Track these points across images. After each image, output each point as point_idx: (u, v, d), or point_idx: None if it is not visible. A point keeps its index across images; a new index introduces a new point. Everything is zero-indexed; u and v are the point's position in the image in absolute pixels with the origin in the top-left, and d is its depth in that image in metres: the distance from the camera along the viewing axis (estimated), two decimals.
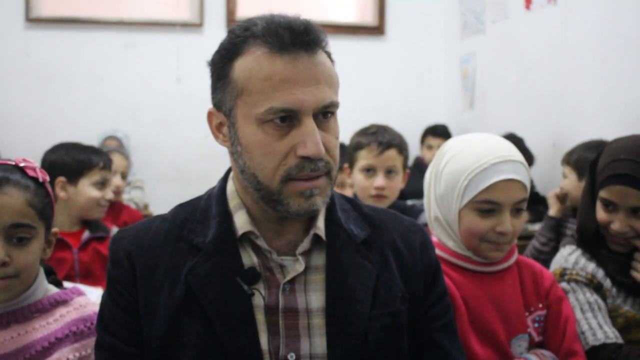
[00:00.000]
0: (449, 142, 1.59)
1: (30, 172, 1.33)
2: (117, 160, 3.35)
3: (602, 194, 1.68)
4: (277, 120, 1.07)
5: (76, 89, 4.77)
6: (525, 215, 1.55)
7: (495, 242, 1.50)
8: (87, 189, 2.36)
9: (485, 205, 1.48)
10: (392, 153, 2.33)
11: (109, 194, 2.41)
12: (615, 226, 1.67)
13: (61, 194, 2.32)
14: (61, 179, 2.32)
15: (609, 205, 1.68)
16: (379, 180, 2.31)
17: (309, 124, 1.08)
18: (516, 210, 1.50)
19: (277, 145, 1.08)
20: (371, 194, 2.31)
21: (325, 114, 1.11)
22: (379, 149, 2.31)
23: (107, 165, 2.42)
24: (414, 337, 1.22)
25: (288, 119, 1.08)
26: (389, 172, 2.33)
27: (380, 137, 2.33)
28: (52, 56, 4.74)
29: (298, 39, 1.07)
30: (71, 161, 2.36)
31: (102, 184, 2.39)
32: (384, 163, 2.32)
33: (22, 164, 1.34)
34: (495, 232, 1.49)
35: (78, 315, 1.36)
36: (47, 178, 1.38)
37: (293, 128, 1.08)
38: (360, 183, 2.34)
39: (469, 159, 1.50)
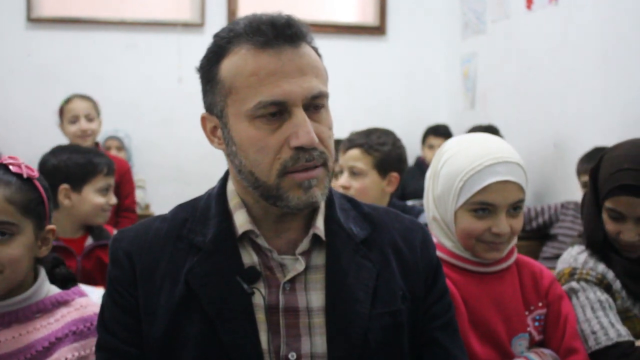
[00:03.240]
0: (447, 143, 1.60)
1: (14, 169, 1.33)
2: (78, 104, 3.45)
3: (609, 204, 1.66)
4: (268, 114, 1.08)
5: (77, 89, 4.73)
6: (523, 215, 1.55)
7: (492, 243, 1.50)
8: (91, 197, 2.29)
9: (480, 206, 1.48)
10: (353, 153, 2.32)
11: (112, 199, 2.36)
12: (625, 236, 1.65)
13: (65, 201, 2.25)
14: (65, 186, 2.25)
15: (616, 216, 1.66)
16: (342, 179, 2.31)
17: (299, 114, 1.08)
18: (513, 210, 1.50)
19: (270, 140, 1.09)
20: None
21: (315, 106, 1.11)
22: (342, 148, 2.32)
23: (111, 171, 2.36)
24: (414, 336, 1.22)
25: (278, 112, 1.08)
26: (355, 173, 2.31)
27: (348, 138, 2.33)
28: (53, 56, 4.74)
29: (280, 32, 1.08)
30: (74, 167, 2.29)
31: (105, 190, 2.33)
32: (346, 162, 2.32)
33: (6, 161, 1.33)
34: (491, 233, 1.49)
35: (78, 316, 1.36)
36: (35, 174, 1.36)
37: (284, 121, 1.09)
38: (333, 184, 2.34)
39: (464, 161, 1.50)
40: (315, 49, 1.15)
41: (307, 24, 1.14)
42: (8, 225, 1.29)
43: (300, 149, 1.08)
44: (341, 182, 2.30)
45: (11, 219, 1.30)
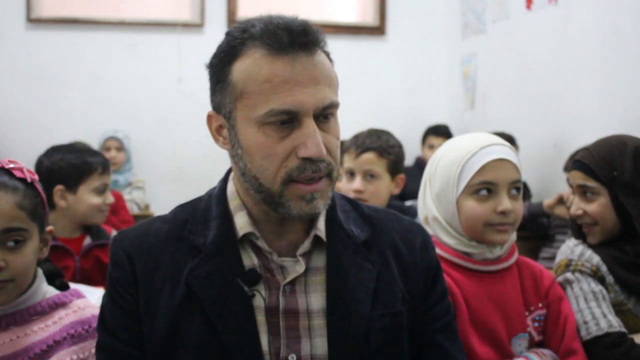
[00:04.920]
0: (439, 148, 1.64)
1: (18, 173, 1.32)
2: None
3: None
4: (278, 122, 1.07)
5: (77, 89, 4.77)
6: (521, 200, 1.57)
7: (499, 224, 1.51)
8: (87, 197, 2.26)
9: (481, 186, 1.51)
10: (369, 156, 2.31)
11: (109, 198, 2.33)
12: (572, 209, 1.76)
13: (61, 202, 2.23)
14: (60, 187, 2.23)
15: (573, 194, 1.79)
16: (356, 183, 2.30)
17: (310, 125, 1.08)
18: (514, 190, 1.53)
19: (278, 147, 1.08)
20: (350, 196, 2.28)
21: (325, 115, 1.11)
22: (357, 151, 2.31)
23: (106, 169, 2.33)
24: (414, 338, 1.22)
25: (288, 120, 1.08)
26: (370, 176, 2.31)
27: (359, 141, 2.33)
28: (53, 56, 4.74)
29: (296, 39, 1.07)
30: (68, 167, 2.26)
31: (101, 189, 2.30)
32: (361, 166, 2.30)
33: (8, 166, 1.32)
34: (497, 213, 1.50)
35: (76, 318, 1.35)
36: (36, 177, 1.36)
37: (294, 130, 1.08)
38: (342, 187, 2.33)
39: (459, 151, 1.54)
40: (328, 54, 1.14)
41: (321, 29, 1.12)
42: (21, 232, 1.29)
43: (307, 159, 1.08)
44: (356, 187, 2.29)
45: (23, 225, 1.29)
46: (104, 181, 2.31)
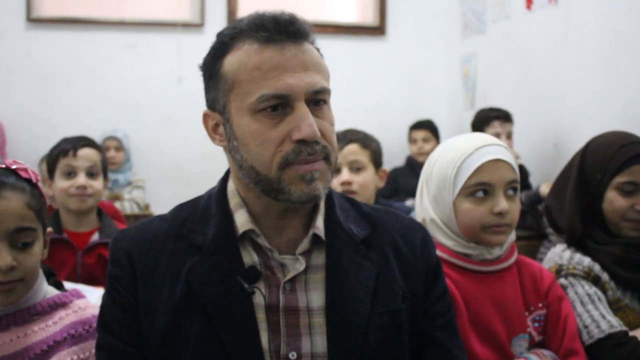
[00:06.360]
0: (435, 149, 1.64)
1: (23, 174, 1.32)
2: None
3: (620, 179, 1.71)
4: (269, 108, 1.09)
5: (77, 89, 4.76)
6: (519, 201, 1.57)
7: (496, 226, 1.51)
8: (57, 182, 2.29)
9: (478, 188, 1.50)
10: (352, 147, 2.34)
11: (78, 181, 2.27)
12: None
13: (49, 192, 2.28)
14: (47, 177, 2.31)
15: (630, 189, 1.71)
16: (344, 175, 2.32)
17: (302, 108, 1.09)
18: (511, 191, 1.52)
19: (272, 134, 1.09)
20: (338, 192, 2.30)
21: (317, 102, 1.12)
22: (339, 145, 2.34)
23: (66, 153, 2.28)
24: (414, 336, 1.22)
25: (280, 106, 1.09)
26: (356, 168, 2.33)
27: (340, 136, 2.36)
28: (52, 56, 4.73)
29: (283, 28, 1.10)
30: (49, 157, 2.33)
31: (68, 174, 2.28)
32: (345, 158, 2.33)
33: (13, 166, 1.32)
34: (494, 214, 1.50)
35: (77, 319, 1.35)
36: (39, 178, 1.37)
37: (286, 115, 1.09)
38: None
39: (454, 152, 1.54)
40: (317, 50, 1.16)
41: (310, 24, 1.15)
42: (31, 231, 1.29)
43: (302, 142, 1.09)
44: (343, 178, 2.31)
45: (33, 224, 1.30)
46: (68, 162, 2.28)
